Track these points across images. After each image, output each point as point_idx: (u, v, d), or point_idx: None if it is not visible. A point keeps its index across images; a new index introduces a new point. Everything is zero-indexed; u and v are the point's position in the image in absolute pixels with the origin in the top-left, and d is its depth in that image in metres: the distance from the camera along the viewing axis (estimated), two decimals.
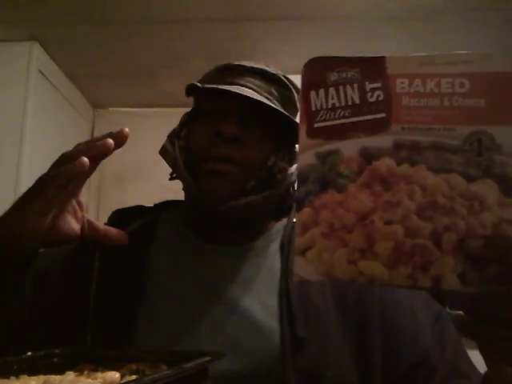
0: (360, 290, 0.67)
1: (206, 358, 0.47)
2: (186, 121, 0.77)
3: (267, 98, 0.72)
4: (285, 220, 0.79)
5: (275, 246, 0.74)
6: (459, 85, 0.42)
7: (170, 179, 0.79)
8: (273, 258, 0.72)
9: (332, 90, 0.44)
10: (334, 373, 0.62)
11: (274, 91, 0.73)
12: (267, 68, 0.74)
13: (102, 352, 0.55)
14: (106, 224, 0.82)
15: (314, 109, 0.45)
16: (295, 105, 0.76)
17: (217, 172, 0.69)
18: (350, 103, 0.44)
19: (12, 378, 0.45)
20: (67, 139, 2.40)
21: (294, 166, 0.76)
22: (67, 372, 0.47)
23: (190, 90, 0.75)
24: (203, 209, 0.73)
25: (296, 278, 0.44)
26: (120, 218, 0.80)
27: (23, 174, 1.92)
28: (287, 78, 0.75)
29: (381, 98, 0.43)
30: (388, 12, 1.86)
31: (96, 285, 0.69)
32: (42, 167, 2.36)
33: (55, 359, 0.51)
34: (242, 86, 0.71)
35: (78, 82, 2.39)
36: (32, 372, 0.46)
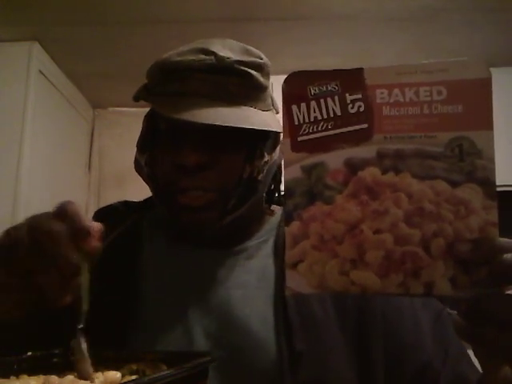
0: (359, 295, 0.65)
1: (207, 358, 0.47)
2: (147, 134, 0.68)
3: (226, 102, 0.62)
4: (277, 216, 0.74)
5: (268, 248, 0.70)
6: (437, 92, 0.43)
7: None
8: (266, 262, 0.68)
9: (313, 104, 0.45)
10: None
11: (231, 87, 0.63)
12: (215, 61, 0.63)
13: (102, 352, 0.54)
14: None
15: (296, 123, 0.45)
16: (260, 86, 0.66)
17: (191, 207, 0.63)
18: (331, 115, 0.45)
19: (12, 377, 0.45)
20: (67, 139, 2.40)
21: (277, 149, 0.70)
22: (66, 372, 0.47)
23: (138, 99, 0.69)
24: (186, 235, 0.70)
25: (289, 292, 0.45)
26: (104, 218, 0.77)
27: (23, 174, 1.93)
28: (242, 63, 0.63)
29: (362, 109, 0.44)
30: (388, 12, 1.86)
31: None
32: (42, 167, 2.36)
33: (55, 359, 0.51)
34: (194, 94, 0.62)
35: (77, 82, 2.39)
36: (32, 372, 0.46)
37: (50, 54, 2.12)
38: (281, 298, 0.63)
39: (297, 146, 0.45)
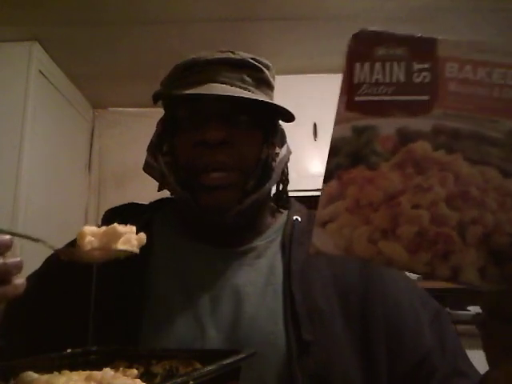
0: (363, 291, 0.66)
1: (242, 355, 0.47)
2: (164, 131, 0.72)
3: (241, 87, 0.68)
4: (284, 216, 0.77)
5: (275, 247, 0.72)
6: None
7: (159, 191, 0.76)
8: (274, 259, 0.71)
9: (378, 65, 0.43)
10: (341, 375, 0.61)
11: (245, 77, 0.69)
12: (233, 55, 0.69)
13: (136, 350, 0.57)
14: (100, 224, 0.80)
15: (356, 81, 0.43)
16: (269, 83, 0.72)
17: (212, 186, 0.66)
18: (394, 81, 0.42)
19: (55, 372, 0.46)
20: (67, 139, 2.40)
21: (285, 146, 0.75)
22: (104, 369, 0.48)
23: (157, 97, 0.71)
24: (206, 220, 0.71)
25: (312, 250, 0.43)
26: (114, 218, 0.78)
27: (23, 174, 1.92)
28: (255, 59, 0.70)
29: (427, 80, 0.42)
30: (388, 12, 1.86)
31: (95, 291, 0.66)
32: (42, 167, 2.35)
33: (92, 356, 0.53)
34: (211, 81, 0.67)
35: (77, 82, 2.39)
36: (72, 368, 0.48)
37: (50, 54, 2.12)
38: (289, 293, 0.65)
39: (352, 105, 0.43)
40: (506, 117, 0.41)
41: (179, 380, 0.37)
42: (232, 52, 0.70)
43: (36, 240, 0.47)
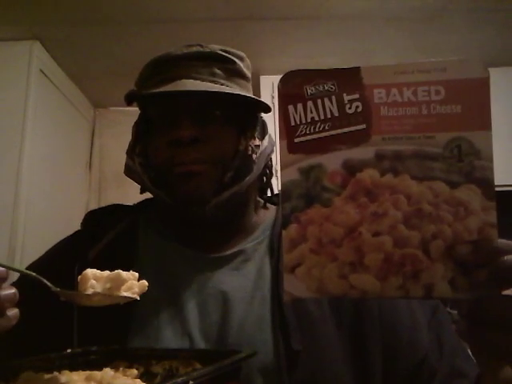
0: None
1: (243, 355, 0.47)
2: (138, 133, 0.71)
3: (211, 81, 0.66)
4: (272, 212, 0.76)
5: (263, 248, 0.70)
6: (435, 92, 0.43)
7: (141, 193, 0.75)
8: (262, 263, 0.69)
9: (310, 104, 0.44)
10: (332, 381, 0.60)
11: (216, 70, 0.67)
12: (202, 49, 0.68)
13: (136, 350, 0.57)
14: (80, 229, 0.77)
15: (293, 124, 0.45)
16: (243, 75, 0.71)
17: (188, 173, 0.64)
18: (329, 116, 0.44)
19: (55, 372, 0.46)
20: (68, 138, 2.40)
21: (267, 138, 0.73)
22: (104, 369, 0.48)
23: (129, 97, 0.70)
24: (186, 217, 0.69)
25: (287, 297, 0.44)
26: (96, 221, 0.76)
27: (23, 174, 1.92)
28: (226, 51, 0.69)
29: (359, 110, 0.44)
30: (388, 12, 1.86)
31: None
32: (42, 167, 2.35)
33: (92, 356, 0.54)
34: (181, 77, 0.65)
35: (78, 82, 2.39)
36: (72, 368, 0.48)
37: (51, 53, 2.12)
38: (277, 298, 0.64)
39: (293, 148, 0.45)
40: (439, 131, 0.43)
41: (179, 380, 0.38)
42: (201, 45, 0.69)
43: (33, 276, 0.47)
